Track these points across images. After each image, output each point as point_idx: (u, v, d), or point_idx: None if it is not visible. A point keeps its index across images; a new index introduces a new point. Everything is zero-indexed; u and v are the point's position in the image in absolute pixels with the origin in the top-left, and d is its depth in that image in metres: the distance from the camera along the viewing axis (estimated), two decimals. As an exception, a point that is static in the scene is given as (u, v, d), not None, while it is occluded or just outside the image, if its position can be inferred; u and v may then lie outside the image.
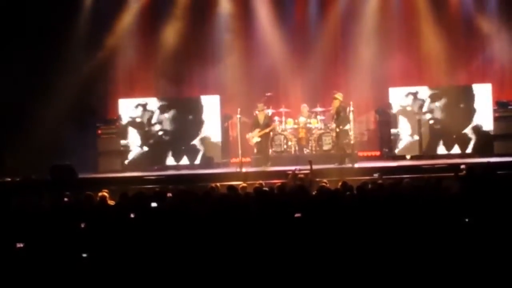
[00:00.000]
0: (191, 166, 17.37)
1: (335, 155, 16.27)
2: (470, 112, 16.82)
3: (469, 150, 16.76)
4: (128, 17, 18.29)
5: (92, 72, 17.76)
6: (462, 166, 12.11)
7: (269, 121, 16.68)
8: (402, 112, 17.04)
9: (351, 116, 15.88)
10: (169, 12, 18.29)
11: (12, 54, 16.99)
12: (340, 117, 16.01)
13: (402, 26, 18.03)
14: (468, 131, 16.79)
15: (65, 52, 17.54)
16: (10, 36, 17.16)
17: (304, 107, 17.30)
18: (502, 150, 16.37)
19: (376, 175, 13.40)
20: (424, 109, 16.95)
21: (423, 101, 16.96)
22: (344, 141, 16.09)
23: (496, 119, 16.77)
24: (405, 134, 17.03)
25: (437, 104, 16.92)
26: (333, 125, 16.30)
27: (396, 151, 17.06)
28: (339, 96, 16.13)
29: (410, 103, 17.01)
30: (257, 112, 16.64)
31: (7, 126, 17.17)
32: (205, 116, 17.47)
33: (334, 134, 16.33)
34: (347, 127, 15.95)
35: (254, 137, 16.59)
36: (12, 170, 15.83)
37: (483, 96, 16.80)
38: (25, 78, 17.12)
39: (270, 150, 16.97)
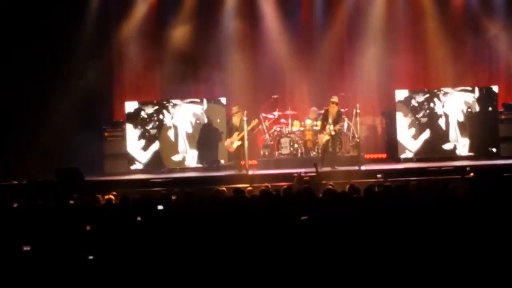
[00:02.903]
0: (198, 168, 17.34)
1: (341, 157, 16.24)
2: (476, 114, 16.73)
3: (473, 152, 16.66)
4: (135, 20, 18.35)
5: (98, 75, 17.77)
6: (468, 169, 12.07)
7: (247, 123, 15.79)
8: (407, 114, 16.93)
9: (357, 119, 15.86)
10: (175, 15, 18.34)
11: (17, 56, 17.02)
12: (338, 120, 15.84)
13: (408, 27, 18.03)
14: (473, 133, 16.71)
15: (70, 54, 17.57)
16: (15, 38, 17.16)
17: (314, 111, 17.20)
18: (509, 152, 16.30)
19: (379, 175, 13.36)
20: (430, 111, 16.84)
21: (429, 103, 16.86)
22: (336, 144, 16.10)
23: (502, 121, 16.69)
24: (410, 136, 16.95)
25: (443, 106, 16.83)
26: (331, 127, 15.66)
27: (402, 153, 16.97)
28: (336, 99, 15.89)
29: (416, 105, 16.91)
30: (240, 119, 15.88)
31: (13, 128, 17.18)
32: (211, 119, 17.44)
33: (327, 137, 15.76)
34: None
35: (233, 142, 15.97)
36: (18, 173, 15.83)
37: (489, 98, 16.71)
38: (31, 81, 17.14)
39: (264, 152, 16.93)
